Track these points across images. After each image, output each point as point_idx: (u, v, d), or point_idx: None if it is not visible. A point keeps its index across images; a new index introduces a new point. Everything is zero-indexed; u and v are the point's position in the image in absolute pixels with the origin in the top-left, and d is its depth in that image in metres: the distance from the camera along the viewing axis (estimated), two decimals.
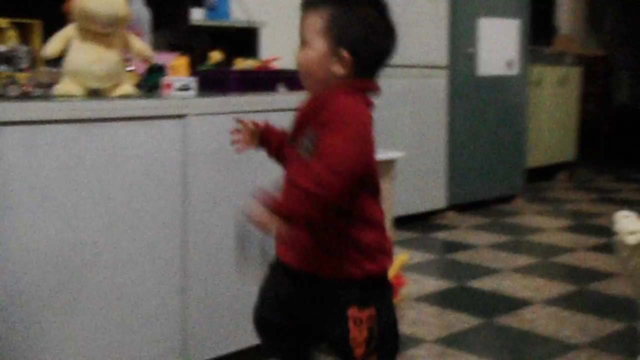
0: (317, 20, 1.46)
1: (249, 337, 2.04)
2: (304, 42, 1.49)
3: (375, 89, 1.52)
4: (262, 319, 1.62)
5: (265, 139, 1.66)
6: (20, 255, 1.72)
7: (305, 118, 1.49)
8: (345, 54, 1.45)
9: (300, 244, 1.50)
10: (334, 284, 1.50)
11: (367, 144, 1.44)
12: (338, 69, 1.46)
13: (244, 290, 2.18)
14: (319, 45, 1.46)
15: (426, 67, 4.32)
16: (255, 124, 1.66)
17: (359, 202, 1.47)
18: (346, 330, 1.51)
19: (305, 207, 1.35)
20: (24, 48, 1.80)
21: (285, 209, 1.35)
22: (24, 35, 1.86)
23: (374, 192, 1.52)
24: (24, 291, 1.73)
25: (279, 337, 1.62)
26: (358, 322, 1.51)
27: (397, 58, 4.55)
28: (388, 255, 1.54)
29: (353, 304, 1.50)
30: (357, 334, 1.51)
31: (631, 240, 1.50)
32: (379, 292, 1.54)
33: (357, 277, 1.49)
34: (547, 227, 4.32)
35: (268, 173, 2.20)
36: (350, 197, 1.42)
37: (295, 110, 1.55)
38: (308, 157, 1.45)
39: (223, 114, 2.09)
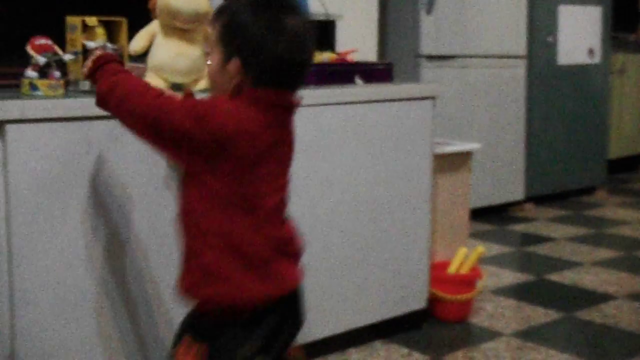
0: (214, 31, 1.42)
1: None
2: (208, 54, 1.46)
3: (270, 101, 1.37)
4: None
5: None
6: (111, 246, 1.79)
7: None
8: (233, 63, 1.36)
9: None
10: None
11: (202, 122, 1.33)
12: (231, 79, 1.37)
13: (321, 281, 2.21)
14: (215, 56, 1.41)
15: (504, 56, 4.26)
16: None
17: (215, 215, 1.35)
18: None
19: (108, 89, 1.42)
20: (111, 45, 1.86)
21: (100, 71, 1.47)
22: (111, 33, 1.93)
23: (244, 208, 1.36)
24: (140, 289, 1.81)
25: None
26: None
27: (473, 48, 4.46)
28: (236, 286, 1.35)
29: (188, 333, 1.41)
30: None
31: None
32: (215, 328, 1.37)
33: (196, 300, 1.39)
34: (630, 219, 4.20)
35: (343, 164, 2.22)
36: (141, 134, 1.41)
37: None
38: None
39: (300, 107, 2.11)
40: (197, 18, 1.90)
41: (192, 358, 1.36)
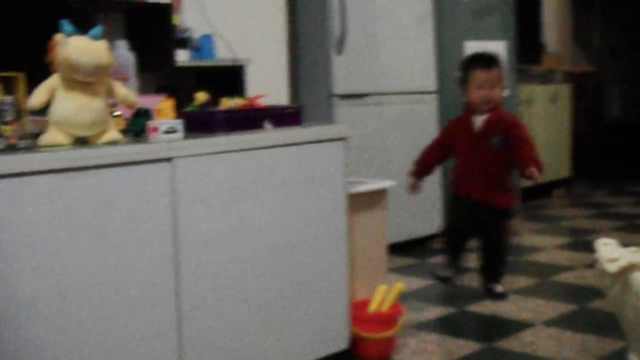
0: (497, 73, 3.27)
1: None
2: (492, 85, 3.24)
3: None
4: (454, 227, 3.51)
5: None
6: (16, 306, 1.72)
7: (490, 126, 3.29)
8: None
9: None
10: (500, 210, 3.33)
11: None
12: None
13: (241, 329, 2.18)
14: (499, 88, 3.28)
15: (416, 92, 4.35)
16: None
17: None
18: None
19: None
20: (9, 100, 1.82)
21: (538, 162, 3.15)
22: (9, 88, 1.88)
23: None
24: (24, 341, 1.73)
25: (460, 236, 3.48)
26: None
27: (386, 85, 4.53)
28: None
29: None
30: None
31: (612, 268, 1.50)
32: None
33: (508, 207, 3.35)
34: (546, 245, 4.31)
35: (257, 210, 2.21)
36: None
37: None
38: (500, 147, 3.25)
39: (210, 154, 2.10)
40: (98, 70, 1.88)
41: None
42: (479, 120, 3.28)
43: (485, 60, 3.26)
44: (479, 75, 3.21)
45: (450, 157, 3.46)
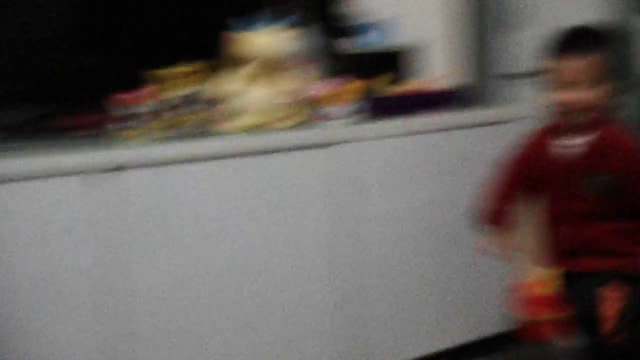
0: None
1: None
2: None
3: None
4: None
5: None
6: (183, 281, 1.88)
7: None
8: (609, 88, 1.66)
9: None
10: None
11: None
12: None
13: (402, 311, 2.25)
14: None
15: None
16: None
17: None
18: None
19: None
20: (202, 90, 1.94)
21: None
22: (203, 78, 2.01)
23: None
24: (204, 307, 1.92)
25: None
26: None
27: None
28: None
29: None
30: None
31: None
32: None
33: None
34: None
35: (426, 192, 2.25)
36: None
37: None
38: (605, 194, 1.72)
39: (393, 137, 2.17)
40: (280, 60, 2.00)
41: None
42: (572, 145, 1.75)
43: (578, 42, 1.74)
44: (563, 65, 1.70)
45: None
